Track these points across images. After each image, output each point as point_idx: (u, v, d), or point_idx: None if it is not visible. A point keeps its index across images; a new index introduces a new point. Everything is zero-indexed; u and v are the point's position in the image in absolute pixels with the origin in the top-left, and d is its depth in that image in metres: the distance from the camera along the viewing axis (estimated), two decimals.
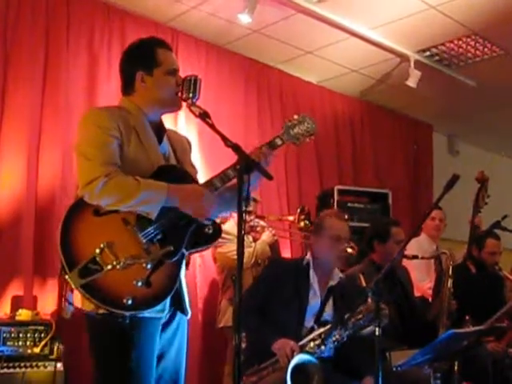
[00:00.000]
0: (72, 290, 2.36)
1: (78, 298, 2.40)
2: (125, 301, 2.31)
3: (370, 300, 3.11)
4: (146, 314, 2.39)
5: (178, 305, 2.58)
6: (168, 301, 2.49)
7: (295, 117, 2.85)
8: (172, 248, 2.43)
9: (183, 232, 2.48)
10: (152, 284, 2.37)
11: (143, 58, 2.64)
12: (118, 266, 2.32)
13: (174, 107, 2.71)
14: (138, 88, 2.64)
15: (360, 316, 3.25)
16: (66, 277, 2.29)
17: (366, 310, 3.24)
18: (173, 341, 2.59)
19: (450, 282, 4.38)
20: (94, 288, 2.30)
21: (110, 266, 2.32)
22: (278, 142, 2.75)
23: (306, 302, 3.55)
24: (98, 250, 2.32)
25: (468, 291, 4.57)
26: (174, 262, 2.45)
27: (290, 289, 3.56)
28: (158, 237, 2.42)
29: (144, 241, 2.39)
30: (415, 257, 4.49)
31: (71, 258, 2.31)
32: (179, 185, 2.53)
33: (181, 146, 2.79)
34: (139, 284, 2.34)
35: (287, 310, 3.50)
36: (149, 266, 2.38)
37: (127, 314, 2.34)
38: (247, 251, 4.74)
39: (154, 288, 2.37)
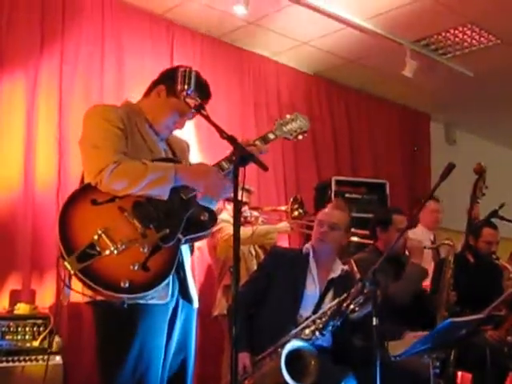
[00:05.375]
0: (71, 277, 2.36)
1: (78, 287, 2.40)
2: (122, 284, 2.33)
3: (359, 284, 3.10)
4: (151, 300, 2.42)
5: (183, 294, 2.61)
6: (173, 287, 2.52)
7: (287, 116, 2.93)
8: (168, 231, 2.46)
9: (179, 218, 2.51)
10: (149, 268, 2.39)
11: (177, 80, 2.60)
12: (115, 251, 2.36)
13: (163, 132, 2.77)
14: (151, 97, 2.75)
15: (350, 300, 3.22)
16: (65, 262, 2.31)
17: (355, 293, 3.20)
18: (181, 331, 2.63)
19: (450, 273, 4.39)
20: (92, 273, 2.32)
21: (108, 251, 2.35)
22: (271, 136, 2.82)
23: (303, 288, 3.57)
24: (95, 236, 2.36)
25: (467, 281, 4.57)
26: (171, 248, 2.47)
27: (288, 275, 3.60)
28: (154, 222, 2.46)
29: (140, 226, 2.43)
30: None
31: (69, 245, 2.34)
32: (187, 165, 2.66)
33: (180, 147, 2.87)
34: (136, 268, 2.37)
35: (283, 295, 3.53)
36: (145, 250, 2.40)
37: (124, 296, 2.35)
38: (244, 228, 4.70)
39: (150, 273, 2.40)
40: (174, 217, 2.50)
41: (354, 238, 4.85)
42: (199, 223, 2.58)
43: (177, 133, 2.95)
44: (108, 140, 2.53)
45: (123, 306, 2.36)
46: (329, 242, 3.69)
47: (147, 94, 2.78)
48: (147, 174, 2.46)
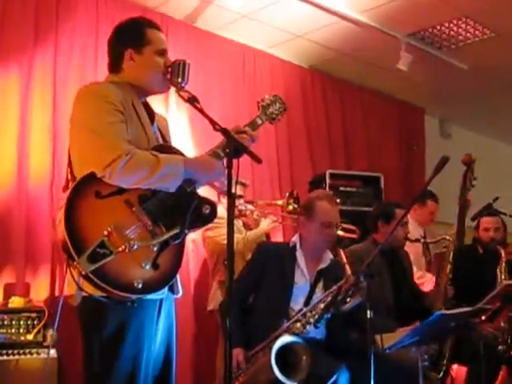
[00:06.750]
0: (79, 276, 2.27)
1: (85, 284, 2.30)
2: (135, 284, 2.28)
3: (349, 275, 3.12)
4: (148, 296, 2.38)
5: (170, 286, 2.56)
6: None
7: (266, 96, 2.95)
8: (178, 230, 2.41)
9: (186, 212, 2.46)
10: (159, 266, 2.36)
11: (133, 36, 2.63)
12: (126, 250, 2.28)
13: (161, 88, 2.71)
14: (126, 66, 2.63)
15: (342, 290, 3.22)
16: (75, 263, 2.21)
17: (345, 284, 3.21)
18: (165, 321, 2.59)
19: (449, 268, 4.39)
20: (103, 273, 2.24)
21: (120, 249, 2.26)
22: (259, 121, 2.85)
23: (292, 282, 3.57)
24: (105, 232, 2.26)
25: (475, 271, 4.59)
26: (177, 243, 2.44)
27: (276, 270, 3.60)
28: (163, 219, 2.40)
29: (150, 223, 2.37)
30: (417, 240, 4.52)
31: (78, 244, 2.23)
32: (192, 157, 2.62)
33: (165, 128, 2.81)
34: (147, 267, 2.32)
35: (273, 290, 3.54)
36: (155, 249, 2.36)
37: (134, 297, 2.31)
38: (237, 237, 4.71)
39: (161, 270, 2.36)
40: (181, 211, 2.45)
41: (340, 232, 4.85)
42: (202, 216, 2.54)
43: (172, 128, 2.95)
44: (113, 126, 2.40)
45: (134, 306, 2.32)
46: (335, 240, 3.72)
47: (117, 67, 2.64)
48: (161, 168, 2.38)
